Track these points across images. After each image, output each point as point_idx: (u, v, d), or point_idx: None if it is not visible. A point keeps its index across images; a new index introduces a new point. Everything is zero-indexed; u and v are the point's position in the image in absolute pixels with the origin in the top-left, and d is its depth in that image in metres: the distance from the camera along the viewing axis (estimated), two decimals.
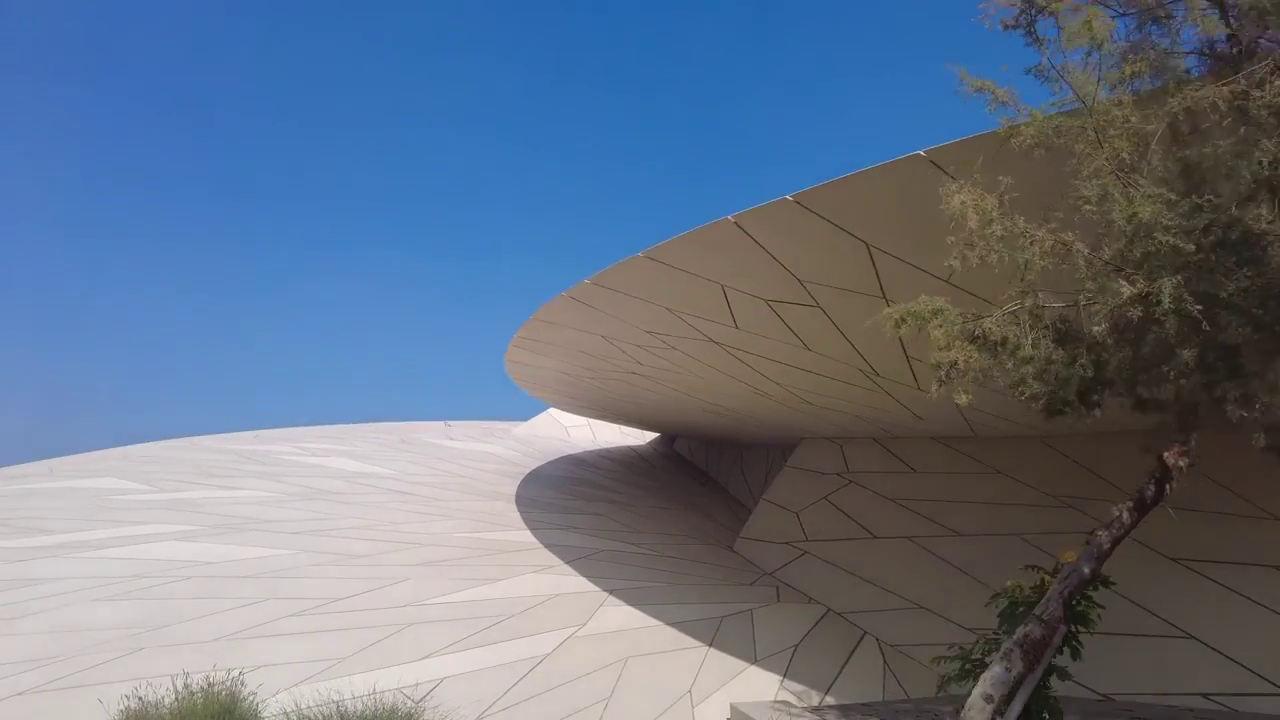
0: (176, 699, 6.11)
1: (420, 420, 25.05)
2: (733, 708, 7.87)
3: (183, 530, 11.18)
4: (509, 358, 11.21)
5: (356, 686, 7.68)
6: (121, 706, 6.33)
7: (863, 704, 8.45)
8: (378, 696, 7.32)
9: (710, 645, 9.20)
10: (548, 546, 11.47)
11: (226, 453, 17.35)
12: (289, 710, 6.35)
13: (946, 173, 4.56)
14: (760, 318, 7.32)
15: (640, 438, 22.43)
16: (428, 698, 7.32)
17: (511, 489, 15.02)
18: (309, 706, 6.31)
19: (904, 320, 4.62)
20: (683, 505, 15.59)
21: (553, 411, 23.80)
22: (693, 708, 8.22)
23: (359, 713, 6.14)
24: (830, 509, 11.59)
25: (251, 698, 6.43)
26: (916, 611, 10.01)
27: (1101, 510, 9.85)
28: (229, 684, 6.35)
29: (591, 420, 23.21)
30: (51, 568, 9.85)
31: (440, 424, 24.28)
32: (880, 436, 11.79)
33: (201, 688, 6.26)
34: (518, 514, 13.16)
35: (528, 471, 16.69)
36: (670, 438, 21.92)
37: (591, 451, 19.70)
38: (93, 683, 7.47)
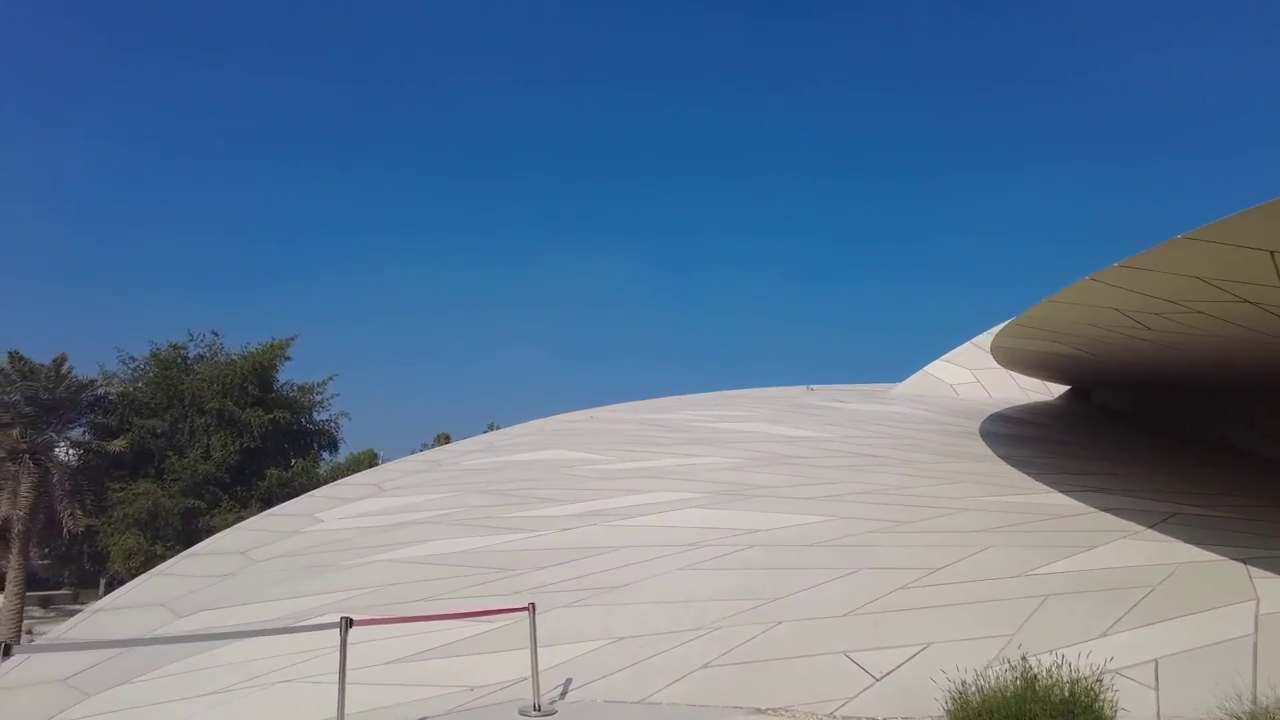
0: (1019, 683, 5.23)
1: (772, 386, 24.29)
2: None
3: (690, 498, 10.78)
4: (1040, 312, 9.74)
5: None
6: (951, 691, 5.56)
7: None
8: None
9: None
10: (1103, 510, 9.87)
11: (638, 423, 17.29)
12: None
13: None
14: None
15: (1045, 392, 20.21)
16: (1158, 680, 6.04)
17: (974, 448, 13.56)
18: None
19: None
20: (1181, 459, 13.38)
21: (930, 370, 22.11)
22: None
23: None
24: None
25: (1104, 687, 5.45)
26: None
27: None
28: (1058, 668, 5.38)
29: (979, 377, 21.32)
30: (601, 536, 9.71)
31: (801, 388, 23.38)
32: None
33: (1022, 672, 5.35)
34: (1018, 474, 11.66)
35: (963, 430, 15.16)
36: (1084, 390, 19.55)
37: (1013, 407, 17.80)
38: (764, 658, 6.93)
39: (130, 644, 7.50)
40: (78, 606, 35.84)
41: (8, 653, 3.42)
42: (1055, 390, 20.10)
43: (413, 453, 41.80)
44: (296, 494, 22.46)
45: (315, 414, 27.71)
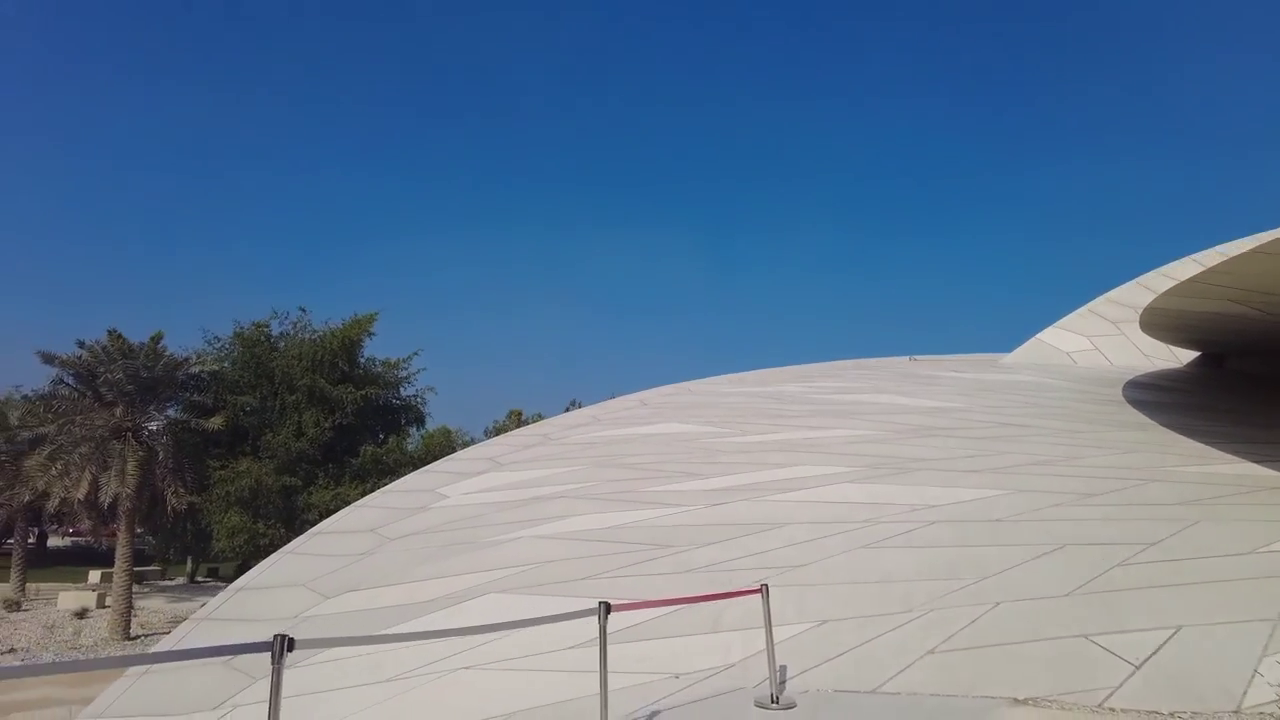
0: None
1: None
2: None
3: (843, 471, 10.12)
4: (1239, 266, 8.85)
5: None
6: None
7: None
8: None
9: None
10: None
11: (744, 395, 16.60)
12: None
13: None
14: None
15: (1172, 359, 19.05)
16: None
17: (1129, 416, 12.63)
18: None
19: None
20: None
21: (1043, 338, 21.01)
22: None
23: None
24: None
25: None
26: None
27: None
28: None
29: (1098, 344, 20.22)
30: (759, 512, 9.11)
31: (903, 359, 22.50)
32: None
33: None
34: (1194, 443, 10.75)
35: (1107, 398, 14.21)
36: (1218, 356, 18.36)
37: (1148, 374, 16.74)
38: (994, 643, 6.28)
39: (402, 639, 7.03)
40: (168, 581, 36.70)
41: (290, 647, 2.92)
42: (1183, 356, 18.89)
43: (485, 430, 41.72)
44: (390, 470, 22.35)
45: (401, 389, 27.65)
